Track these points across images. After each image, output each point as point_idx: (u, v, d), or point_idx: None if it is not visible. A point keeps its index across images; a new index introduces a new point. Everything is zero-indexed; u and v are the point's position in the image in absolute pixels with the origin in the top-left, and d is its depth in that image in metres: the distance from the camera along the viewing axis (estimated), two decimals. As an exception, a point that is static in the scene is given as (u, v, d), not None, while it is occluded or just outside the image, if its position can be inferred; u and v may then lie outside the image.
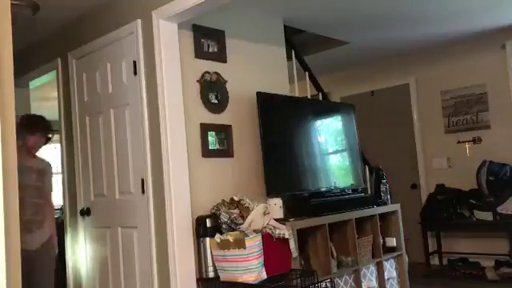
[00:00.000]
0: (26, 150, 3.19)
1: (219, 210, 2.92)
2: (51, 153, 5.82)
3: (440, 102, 5.58)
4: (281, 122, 3.42)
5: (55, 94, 4.02)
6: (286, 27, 4.01)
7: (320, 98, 4.42)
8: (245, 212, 2.88)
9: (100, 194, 3.44)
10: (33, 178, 3.16)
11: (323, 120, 3.95)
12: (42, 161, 3.32)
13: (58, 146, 3.98)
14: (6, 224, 1.24)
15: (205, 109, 3.19)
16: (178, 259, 2.85)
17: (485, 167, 5.03)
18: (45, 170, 3.26)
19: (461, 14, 4.42)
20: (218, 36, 3.35)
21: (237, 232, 2.77)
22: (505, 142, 5.11)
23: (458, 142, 5.42)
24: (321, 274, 2.97)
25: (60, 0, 3.34)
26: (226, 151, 3.25)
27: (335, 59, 5.60)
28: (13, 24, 1.38)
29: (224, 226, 2.87)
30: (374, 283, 3.57)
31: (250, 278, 2.65)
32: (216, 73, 3.28)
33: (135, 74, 3.14)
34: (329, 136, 3.90)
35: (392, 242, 3.84)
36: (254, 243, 2.68)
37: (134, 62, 3.14)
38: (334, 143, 3.97)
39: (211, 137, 3.18)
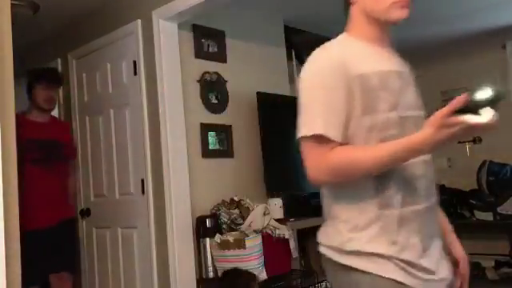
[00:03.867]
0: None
1: (219, 210, 2.92)
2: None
3: (440, 102, 5.55)
4: (281, 122, 3.42)
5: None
6: (286, 27, 4.00)
7: (320, 98, 4.40)
8: (245, 212, 2.88)
9: (100, 195, 3.44)
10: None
11: (323, 120, 3.94)
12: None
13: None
14: (6, 220, 1.24)
15: (205, 109, 3.18)
16: (178, 259, 2.85)
17: (485, 167, 5.02)
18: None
19: (461, 14, 4.41)
20: (218, 36, 3.35)
21: (237, 232, 2.78)
22: (505, 142, 5.10)
23: (458, 142, 5.40)
24: (321, 274, 2.97)
25: (60, 0, 3.34)
26: (226, 151, 3.25)
27: (335, 59, 5.58)
28: (13, 24, 1.37)
29: (224, 227, 2.87)
30: (374, 283, 3.56)
31: (250, 278, 2.65)
32: (216, 73, 3.28)
33: (135, 74, 3.14)
34: (329, 136, 3.89)
35: (392, 242, 3.83)
36: (253, 243, 2.68)
37: (134, 62, 3.13)
38: (334, 143, 3.96)
39: (211, 137, 3.18)
